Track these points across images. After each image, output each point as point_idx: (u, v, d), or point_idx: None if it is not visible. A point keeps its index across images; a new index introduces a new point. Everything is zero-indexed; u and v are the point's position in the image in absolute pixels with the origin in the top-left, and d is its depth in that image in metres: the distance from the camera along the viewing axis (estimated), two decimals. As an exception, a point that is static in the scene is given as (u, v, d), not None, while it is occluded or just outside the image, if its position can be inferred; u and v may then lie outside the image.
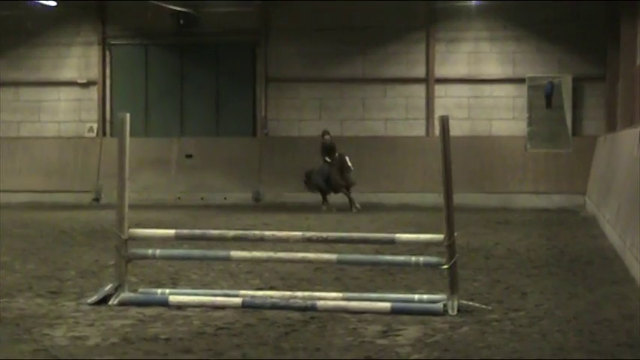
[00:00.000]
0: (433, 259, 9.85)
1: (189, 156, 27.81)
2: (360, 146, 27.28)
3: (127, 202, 10.03)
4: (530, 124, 27.02)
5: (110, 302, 9.69)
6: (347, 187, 24.59)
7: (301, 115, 28.40)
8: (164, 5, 27.17)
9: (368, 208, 24.67)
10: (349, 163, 24.44)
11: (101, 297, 9.78)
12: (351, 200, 24.38)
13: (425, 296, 9.76)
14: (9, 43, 29.16)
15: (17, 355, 7.50)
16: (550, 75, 27.04)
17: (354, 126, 28.12)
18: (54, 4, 27.66)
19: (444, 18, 27.63)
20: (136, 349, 7.69)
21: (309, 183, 25.08)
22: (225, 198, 27.00)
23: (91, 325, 8.71)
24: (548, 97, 26.97)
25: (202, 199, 26.97)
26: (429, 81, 27.65)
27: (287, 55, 28.41)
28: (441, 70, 27.64)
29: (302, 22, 28.11)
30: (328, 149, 25.09)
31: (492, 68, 27.54)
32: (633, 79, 21.33)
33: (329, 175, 24.53)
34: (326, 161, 24.71)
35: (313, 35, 28.15)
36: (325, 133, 25.27)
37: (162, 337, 8.20)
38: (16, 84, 29.32)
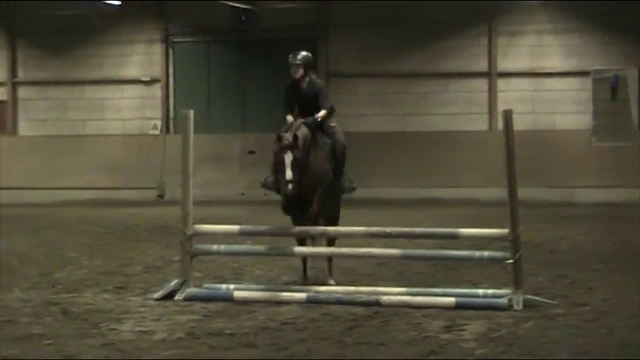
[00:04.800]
0: (498, 254, 9.82)
1: (251, 152, 27.90)
2: (421, 141, 27.18)
3: (191, 198, 10.15)
4: (594, 117, 26.72)
5: (176, 297, 9.81)
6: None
7: (362, 111, 28.34)
8: (225, 2, 27.32)
9: (429, 203, 24.58)
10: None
11: (167, 292, 9.91)
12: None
13: (489, 291, 9.73)
14: (73, 41, 29.48)
15: (85, 349, 7.62)
16: (615, 67, 26.71)
17: (416, 121, 28.00)
18: (118, 3, 27.99)
19: (505, 11, 27.39)
20: (201, 344, 7.78)
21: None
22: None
23: (157, 320, 8.82)
24: (614, 90, 26.64)
25: (265, 194, 26.97)
26: (491, 75, 27.43)
27: (347, 50, 28.37)
28: (503, 64, 27.41)
29: (362, 18, 28.04)
30: None
31: (555, 61, 27.25)
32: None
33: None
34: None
35: (373, 30, 28.08)
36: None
37: (227, 331, 8.28)
38: (81, 82, 29.66)
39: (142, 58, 29.47)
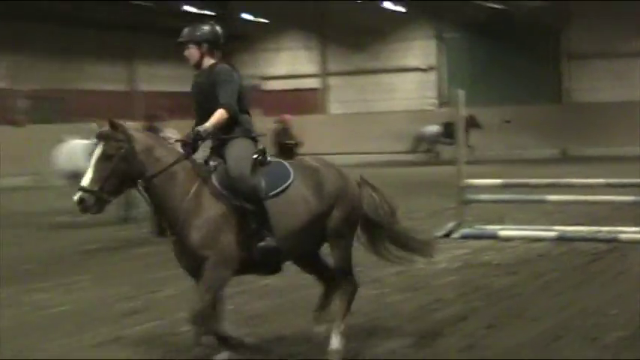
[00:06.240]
0: None
1: (507, 121, 27.58)
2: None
3: (463, 158, 10.25)
4: None
5: (453, 236, 9.95)
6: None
7: (599, 85, 27.26)
8: (483, 3, 27.29)
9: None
10: None
11: (446, 232, 10.06)
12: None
13: None
14: (368, 39, 30.15)
15: (386, 275, 7.87)
16: None
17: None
18: (403, 10, 28.64)
19: None
20: (475, 272, 7.90)
21: None
22: (535, 154, 26.52)
23: (440, 253, 8.96)
24: None
25: (519, 153, 26.76)
26: None
27: (589, 35, 27.28)
28: None
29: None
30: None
31: None
32: None
33: None
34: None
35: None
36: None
37: (494, 262, 8.35)
38: (374, 71, 30.29)
39: (419, 51, 29.75)
